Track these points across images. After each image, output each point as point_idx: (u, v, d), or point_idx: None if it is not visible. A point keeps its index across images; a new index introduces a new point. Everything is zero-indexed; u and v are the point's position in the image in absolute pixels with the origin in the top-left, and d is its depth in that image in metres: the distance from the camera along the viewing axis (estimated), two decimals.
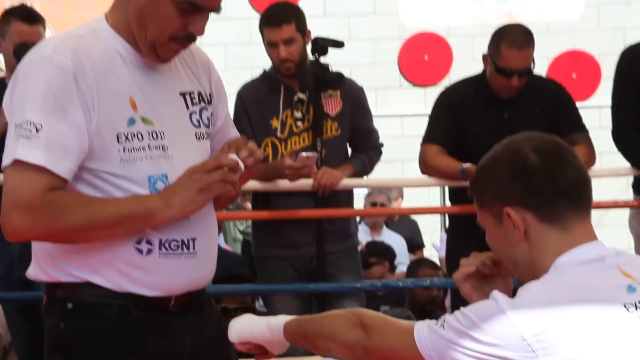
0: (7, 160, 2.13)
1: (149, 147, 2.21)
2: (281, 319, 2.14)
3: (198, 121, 2.32)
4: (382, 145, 4.70)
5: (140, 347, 2.24)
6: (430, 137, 4.56)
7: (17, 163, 2.11)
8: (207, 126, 2.35)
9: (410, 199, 8.39)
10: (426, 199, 8.57)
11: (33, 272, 2.31)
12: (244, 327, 2.19)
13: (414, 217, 8.37)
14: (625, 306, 1.86)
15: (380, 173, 5.03)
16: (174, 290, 2.26)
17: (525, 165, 1.96)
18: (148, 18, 2.17)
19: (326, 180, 4.38)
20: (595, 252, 1.95)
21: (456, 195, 4.66)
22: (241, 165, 2.22)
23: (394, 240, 7.59)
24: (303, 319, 2.15)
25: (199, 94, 2.34)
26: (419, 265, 6.25)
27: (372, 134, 4.67)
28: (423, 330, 1.90)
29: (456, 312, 1.89)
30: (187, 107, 2.30)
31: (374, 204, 7.73)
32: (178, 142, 2.26)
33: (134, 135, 2.19)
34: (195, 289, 2.31)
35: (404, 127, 8.95)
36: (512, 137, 2.03)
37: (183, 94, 2.30)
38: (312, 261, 4.50)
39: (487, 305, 1.87)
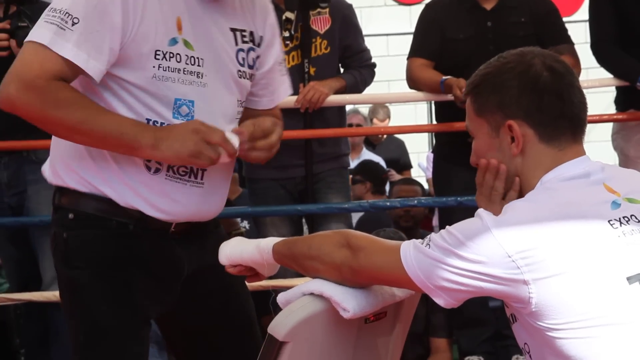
0: (32, 37, 2.14)
1: (184, 70, 2.21)
2: (270, 241, 2.15)
3: (243, 59, 2.32)
4: (374, 65, 4.69)
5: (138, 260, 2.26)
6: (415, 52, 4.57)
7: (42, 46, 2.12)
8: (251, 67, 2.35)
9: (398, 120, 8.38)
10: (413, 120, 8.57)
11: (47, 172, 2.33)
12: (234, 250, 2.20)
13: (402, 137, 8.38)
14: (609, 222, 1.87)
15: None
16: (175, 216, 2.27)
17: (538, 82, 1.95)
18: None
19: (311, 96, 4.38)
20: (581, 167, 1.95)
21: (442, 115, 4.67)
22: (236, 148, 2.22)
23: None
24: (291, 240, 2.16)
25: (251, 33, 2.34)
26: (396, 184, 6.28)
27: (364, 53, 4.66)
28: (409, 249, 1.91)
29: (442, 231, 1.90)
30: (237, 44, 2.31)
31: (349, 125, 7.72)
32: (216, 73, 2.26)
33: (172, 55, 2.20)
34: (198, 220, 2.32)
35: (390, 47, 8.92)
36: (522, 49, 2.01)
37: (234, 30, 2.31)
38: (303, 182, 4.52)
39: (472, 224, 1.88)
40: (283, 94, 2.50)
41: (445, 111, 4.60)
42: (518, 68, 1.97)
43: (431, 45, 4.51)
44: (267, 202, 4.52)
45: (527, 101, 1.95)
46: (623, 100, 4.66)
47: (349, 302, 1.97)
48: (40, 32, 2.13)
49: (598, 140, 6.36)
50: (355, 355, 2.09)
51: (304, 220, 4.69)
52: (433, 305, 4.56)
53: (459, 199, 4.33)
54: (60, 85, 2.12)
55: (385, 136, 8.24)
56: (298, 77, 4.45)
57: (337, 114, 4.66)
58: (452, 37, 4.45)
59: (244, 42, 2.32)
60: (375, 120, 8.38)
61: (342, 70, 4.65)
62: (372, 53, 4.76)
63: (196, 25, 2.23)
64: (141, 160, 2.22)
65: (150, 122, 2.21)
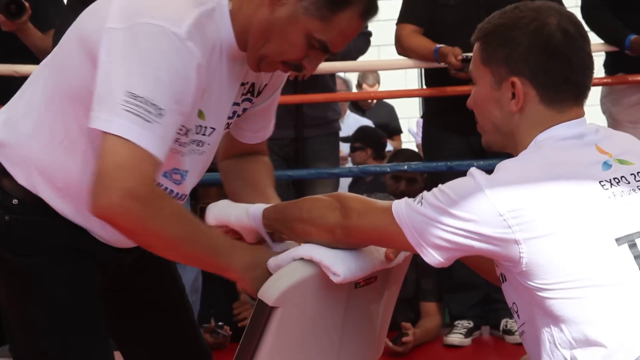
0: (117, 130, 1.91)
1: (191, 141, 2.13)
2: (260, 207, 2.14)
3: (234, 112, 2.23)
4: (370, 33, 4.65)
5: (86, 248, 2.19)
6: (405, 17, 4.53)
7: (130, 142, 1.91)
8: (239, 116, 2.27)
9: (388, 85, 8.35)
10: (403, 85, 8.53)
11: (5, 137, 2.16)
12: (222, 211, 2.18)
13: (391, 102, 8.35)
14: (600, 183, 1.87)
15: None
16: (109, 242, 2.21)
17: (549, 44, 1.93)
18: (275, 35, 2.05)
19: None
20: (575, 129, 1.95)
21: (432, 80, 4.65)
22: None
23: (359, 125, 7.58)
24: (281, 204, 2.15)
25: (252, 85, 2.24)
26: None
27: None
28: (401, 207, 1.90)
29: (434, 190, 1.89)
30: (236, 98, 2.21)
31: None
32: (214, 138, 2.18)
33: (188, 129, 2.10)
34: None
35: (380, 11, 8.86)
36: (540, 3, 1.98)
37: (243, 84, 2.21)
38: (291, 144, 4.50)
39: (465, 182, 1.88)
40: (268, 133, 2.42)
41: (435, 76, 4.58)
42: (532, 25, 1.94)
43: (421, 11, 4.47)
44: None
45: (534, 61, 1.93)
46: (612, 64, 4.65)
47: (338, 266, 1.96)
48: (125, 125, 1.91)
49: (587, 105, 6.36)
50: (346, 320, 2.09)
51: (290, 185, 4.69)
52: (423, 270, 4.57)
53: (449, 163, 4.33)
54: (159, 193, 1.99)
55: (374, 101, 8.21)
56: None
57: (329, 78, 4.64)
58: (442, 2, 4.42)
59: (242, 94, 2.23)
60: (364, 86, 8.35)
61: None
62: None
63: (216, 91, 2.12)
64: None
65: None
